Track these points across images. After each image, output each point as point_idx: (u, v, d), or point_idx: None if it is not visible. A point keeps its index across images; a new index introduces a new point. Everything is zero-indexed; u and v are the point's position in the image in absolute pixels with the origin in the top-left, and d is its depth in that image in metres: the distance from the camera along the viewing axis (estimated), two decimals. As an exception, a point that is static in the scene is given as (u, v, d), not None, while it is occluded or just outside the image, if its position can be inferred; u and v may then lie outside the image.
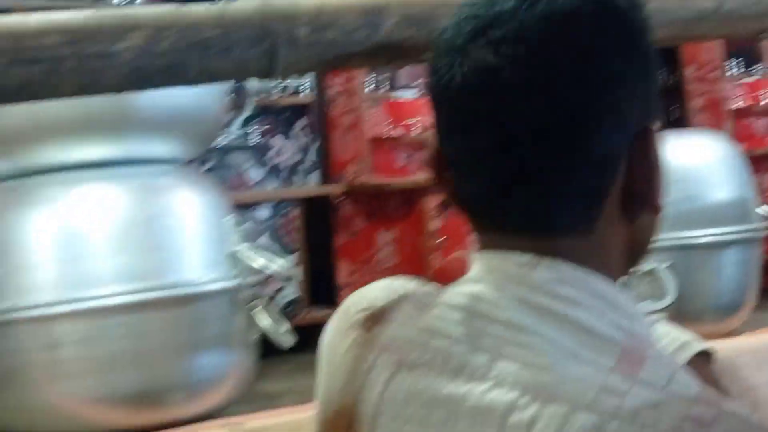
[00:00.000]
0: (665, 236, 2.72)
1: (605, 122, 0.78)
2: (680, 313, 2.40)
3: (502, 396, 0.75)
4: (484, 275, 0.83)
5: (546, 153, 0.78)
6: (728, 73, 4.67)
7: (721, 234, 2.91)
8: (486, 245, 0.84)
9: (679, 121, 4.28)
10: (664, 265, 2.63)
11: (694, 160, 3.00)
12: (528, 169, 0.79)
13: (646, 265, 2.55)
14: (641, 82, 0.81)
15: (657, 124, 0.83)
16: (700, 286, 2.83)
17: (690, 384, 0.75)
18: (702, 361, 1.07)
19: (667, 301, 2.55)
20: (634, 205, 0.81)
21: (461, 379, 0.78)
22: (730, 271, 2.91)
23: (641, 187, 0.81)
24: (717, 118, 4.39)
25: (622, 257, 0.84)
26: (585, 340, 0.76)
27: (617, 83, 0.79)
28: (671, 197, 3.02)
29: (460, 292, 0.84)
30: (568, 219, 0.80)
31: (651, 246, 0.87)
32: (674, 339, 1.07)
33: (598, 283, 0.80)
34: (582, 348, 0.76)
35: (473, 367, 0.78)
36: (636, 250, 0.85)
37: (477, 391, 0.77)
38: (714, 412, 0.70)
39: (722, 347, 1.34)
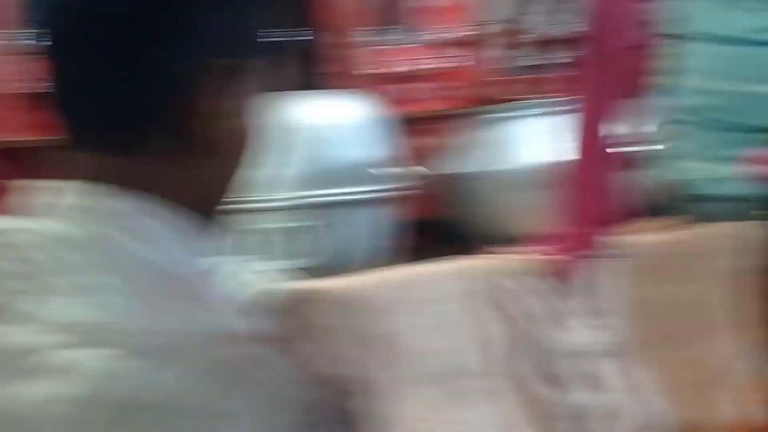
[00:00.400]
0: (309, 194, 2.75)
1: (154, 38, 0.76)
2: (320, 269, 2.45)
3: (36, 338, 0.71)
4: (59, 208, 0.78)
5: (84, 61, 0.76)
6: (377, 38, 4.82)
7: (364, 192, 2.98)
8: (73, 171, 0.80)
9: (325, 84, 4.36)
10: (310, 223, 2.67)
11: (335, 120, 3.05)
12: (71, 79, 0.76)
13: (292, 222, 2.56)
14: (220, 17, 0.79)
15: (254, 67, 0.82)
16: (345, 242, 2.89)
17: (235, 323, 0.74)
18: (289, 302, 1.08)
19: (316, 259, 2.58)
20: (199, 139, 0.79)
21: (14, 324, 0.73)
22: (375, 228, 2.99)
23: (208, 123, 0.78)
24: (365, 82, 4.52)
25: (201, 196, 0.82)
26: (138, 276, 0.73)
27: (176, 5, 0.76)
28: (313, 156, 3.02)
29: (35, 229, 0.78)
30: (116, 138, 0.77)
31: (226, 191, 0.85)
32: (258, 280, 1.07)
33: (160, 215, 0.77)
34: (134, 285, 0.73)
35: (27, 311, 0.73)
36: (211, 192, 0.84)
37: (18, 333, 0.72)
38: (245, 354, 0.69)
39: (318, 289, 1.38)
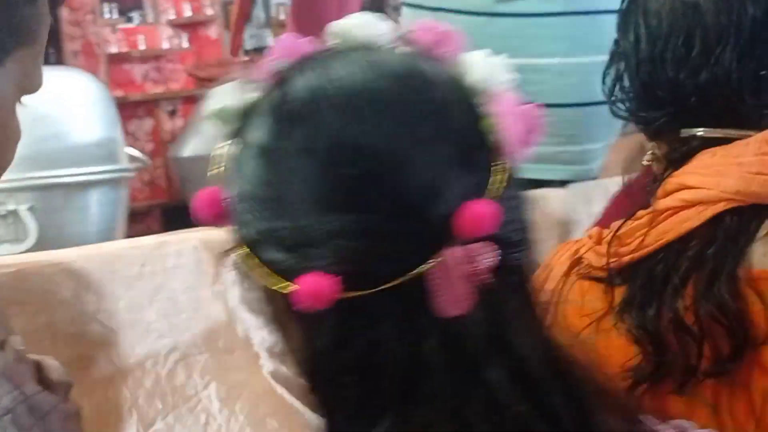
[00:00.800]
0: (27, 176, 2.63)
1: None
2: (32, 252, 2.35)
3: None
4: None
5: None
6: (104, 17, 4.71)
7: (88, 174, 2.89)
8: None
9: (55, 64, 4.22)
10: (24, 206, 2.56)
11: (59, 99, 2.94)
12: None
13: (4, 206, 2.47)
14: None
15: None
16: (66, 226, 2.80)
17: None
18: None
19: (28, 243, 2.48)
20: None
21: None
22: (98, 211, 2.90)
23: None
24: (92, 62, 4.42)
25: None
26: None
27: None
28: (35, 136, 2.86)
29: None
30: None
31: None
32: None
33: None
34: None
35: None
36: None
37: None
38: None
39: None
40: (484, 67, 0.71)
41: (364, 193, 0.67)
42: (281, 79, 0.71)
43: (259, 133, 0.70)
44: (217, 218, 0.73)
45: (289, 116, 0.69)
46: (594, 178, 1.71)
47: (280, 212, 0.69)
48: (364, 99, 0.68)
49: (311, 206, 0.67)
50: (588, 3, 1.59)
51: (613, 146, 1.75)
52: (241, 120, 0.72)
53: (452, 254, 0.66)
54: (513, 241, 0.70)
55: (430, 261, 0.66)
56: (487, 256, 0.66)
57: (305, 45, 0.74)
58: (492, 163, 0.69)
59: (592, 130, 1.66)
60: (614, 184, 1.61)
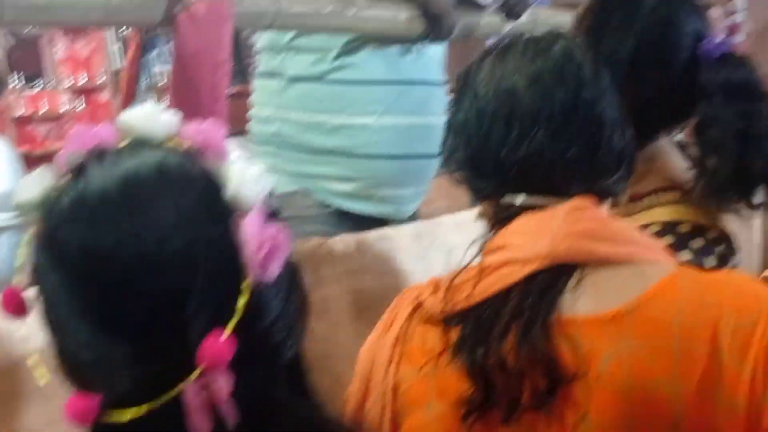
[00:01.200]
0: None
1: None
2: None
3: None
4: None
5: None
6: (12, 85, 4.67)
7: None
8: None
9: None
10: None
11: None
12: None
13: None
14: None
15: None
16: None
17: None
18: None
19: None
20: None
21: None
22: (7, 253, 2.82)
23: None
24: (1, 124, 4.35)
25: None
26: None
27: None
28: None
29: None
30: None
31: None
32: None
33: None
34: None
35: None
36: None
37: None
38: None
39: None
40: (241, 179, 0.64)
41: (112, 316, 0.60)
42: (58, 184, 0.64)
43: (36, 239, 0.64)
44: (19, 314, 0.66)
45: (51, 227, 0.63)
46: (408, 218, 1.83)
47: (55, 328, 0.63)
48: (113, 215, 0.61)
49: (72, 326, 0.61)
50: (401, 75, 1.70)
51: (435, 183, 1.82)
52: (36, 215, 0.64)
53: (191, 384, 0.60)
54: (278, 340, 0.65)
55: (176, 388, 0.61)
56: (222, 387, 0.60)
57: (95, 137, 0.66)
58: (239, 283, 0.62)
59: (403, 177, 1.79)
60: (439, 225, 1.65)
